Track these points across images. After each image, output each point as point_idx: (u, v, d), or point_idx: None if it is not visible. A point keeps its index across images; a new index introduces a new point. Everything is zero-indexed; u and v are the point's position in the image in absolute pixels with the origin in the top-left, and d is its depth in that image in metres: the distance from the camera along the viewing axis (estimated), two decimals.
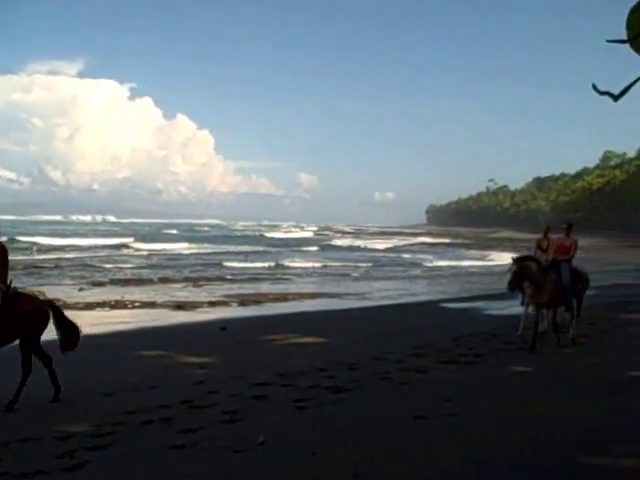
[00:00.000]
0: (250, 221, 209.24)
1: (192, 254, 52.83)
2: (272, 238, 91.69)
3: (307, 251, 62.69)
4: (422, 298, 25.19)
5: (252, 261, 43.70)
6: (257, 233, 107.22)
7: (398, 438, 6.86)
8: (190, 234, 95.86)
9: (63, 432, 7.16)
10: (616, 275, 35.27)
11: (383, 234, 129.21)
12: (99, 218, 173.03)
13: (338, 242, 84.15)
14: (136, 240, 67.47)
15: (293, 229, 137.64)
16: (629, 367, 10.49)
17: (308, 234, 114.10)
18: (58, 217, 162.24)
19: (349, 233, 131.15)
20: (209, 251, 57.31)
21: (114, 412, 7.95)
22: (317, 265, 41.89)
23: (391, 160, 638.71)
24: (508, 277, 12.48)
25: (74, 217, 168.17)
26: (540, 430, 7.08)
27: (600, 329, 15.03)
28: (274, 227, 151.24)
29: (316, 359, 11.47)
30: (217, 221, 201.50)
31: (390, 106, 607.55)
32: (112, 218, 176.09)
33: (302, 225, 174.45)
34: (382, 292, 27.12)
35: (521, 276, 12.37)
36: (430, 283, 33.28)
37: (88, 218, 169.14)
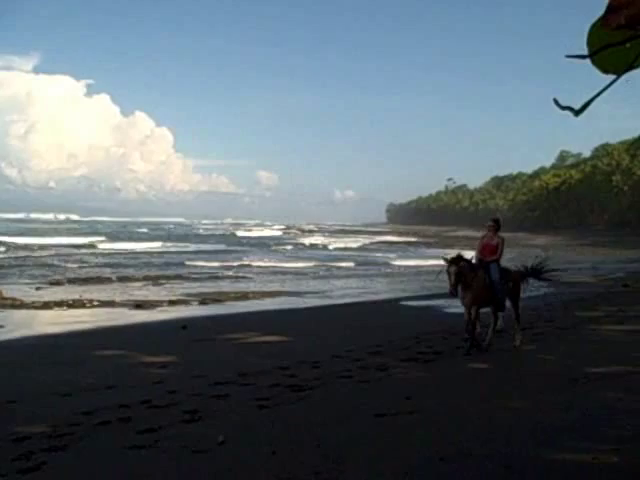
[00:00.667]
0: (212, 219, 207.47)
1: (166, 252, 52.13)
2: (244, 237, 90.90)
3: (282, 250, 62.28)
4: (383, 296, 25.32)
5: (224, 260, 43.32)
6: (227, 232, 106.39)
7: (359, 436, 6.89)
8: (160, 232, 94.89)
9: (19, 433, 7.03)
10: (573, 273, 35.86)
11: (349, 233, 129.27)
12: (61, 216, 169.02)
13: (307, 241, 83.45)
14: (108, 239, 66.65)
15: (258, 228, 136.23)
16: (585, 364, 10.66)
17: (276, 233, 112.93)
18: (20, 215, 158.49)
19: (316, 232, 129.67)
20: (187, 250, 56.48)
21: (71, 413, 7.84)
22: (301, 265, 41.74)
23: (351, 158, 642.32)
24: (450, 279, 11.75)
25: (35, 215, 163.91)
26: (497, 426, 7.18)
27: (557, 326, 15.26)
28: (238, 225, 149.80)
29: (277, 358, 11.46)
30: (180, 219, 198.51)
31: (349, 103, 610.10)
32: (75, 216, 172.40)
33: (267, 223, 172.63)
34: (343, 290, 27.21)
35: (460, 277, 11.78)
36: (391, 281, 33.47)
37: (50, 216, 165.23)
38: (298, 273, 36.03)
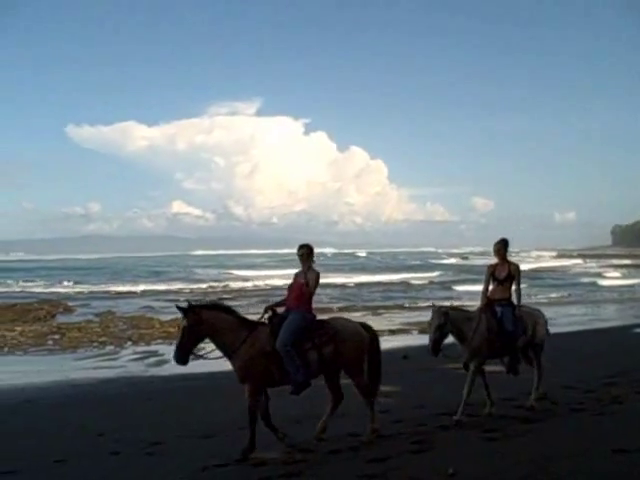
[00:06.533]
0: (455, 249, 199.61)
1: None
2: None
3: None
4: (613, 323, 23.85)
5: None
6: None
7: (596, 472, 6.47)
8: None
9: (257, 459, 7.44)
10: None
11: None
12: (327, 251, 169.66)
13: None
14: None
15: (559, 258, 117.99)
16: None
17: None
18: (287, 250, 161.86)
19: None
20: None
21: (304, 440, 8.15)
22: None
23: (573, 180, 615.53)
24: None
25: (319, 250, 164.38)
26: None
27: None
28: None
29: (501, 388, 11.10)
30: (430, 249, 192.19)
31: (567, 123, 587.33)
32: (331, 250, 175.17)
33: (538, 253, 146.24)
34: (569, 317, 25.97)
35: (191, 336, 7.79)
36: (620, 308, 31.44)
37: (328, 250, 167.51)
38: None
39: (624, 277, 58.12)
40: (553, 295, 38.59)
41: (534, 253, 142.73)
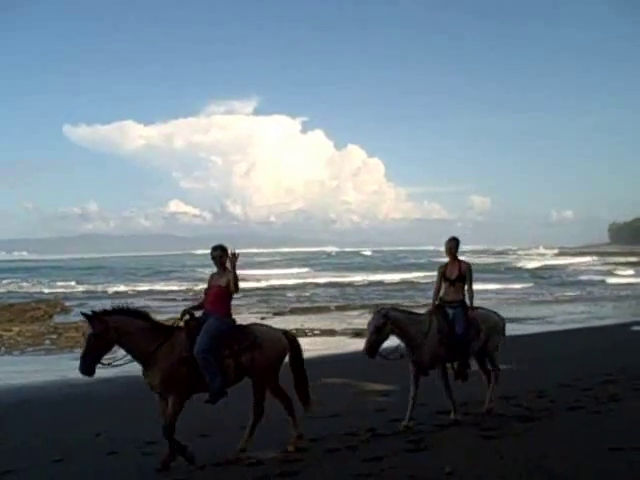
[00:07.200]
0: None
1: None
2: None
3: None
4: (610, 321, 23.86)
5: None
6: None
7: (594, 470, 6.46)
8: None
9: (253, 458, 7.42)
10: None
11: None
12: (328, 249, 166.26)
13: None
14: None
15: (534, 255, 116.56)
16: None
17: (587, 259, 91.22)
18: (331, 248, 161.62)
19: None
20: None
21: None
22: None
23: (569, 177, 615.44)
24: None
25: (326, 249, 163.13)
26: None
27: None
28: (501, 253, 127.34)
29: (500, 387, 11.13)
30: (429, 247, 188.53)
31: (566, 120, 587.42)
32: (334, 248, 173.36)
33: (539, 251, 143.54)
34: (566, 315, 25.99)
35: (98, 345, 7.23)
36: (618, 305, 31.47)
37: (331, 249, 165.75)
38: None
39: (635, 275, 56.44)
40: (566, 294, 38.70)
41: (534, 251, 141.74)
